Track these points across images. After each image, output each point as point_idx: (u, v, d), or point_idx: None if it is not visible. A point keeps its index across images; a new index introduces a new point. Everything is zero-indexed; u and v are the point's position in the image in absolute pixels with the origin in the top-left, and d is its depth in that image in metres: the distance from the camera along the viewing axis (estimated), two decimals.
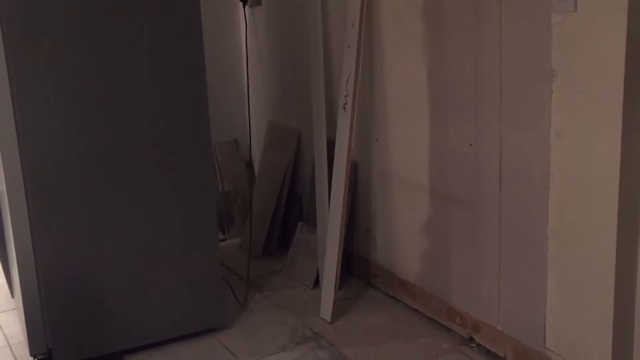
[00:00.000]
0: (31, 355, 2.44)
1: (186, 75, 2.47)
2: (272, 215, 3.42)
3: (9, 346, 2.69)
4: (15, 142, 2.26)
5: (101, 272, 2.46)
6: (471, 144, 2.43)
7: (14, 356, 2.61)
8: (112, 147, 2.40)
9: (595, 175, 2.02)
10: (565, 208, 2.13)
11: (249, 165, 3.77)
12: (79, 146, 2.35)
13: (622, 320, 2.07)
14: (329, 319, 2.78)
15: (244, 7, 3.57)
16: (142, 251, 2.51)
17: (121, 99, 2.38)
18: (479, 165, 2.42)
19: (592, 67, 1.97)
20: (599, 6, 1.92)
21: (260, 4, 3.55)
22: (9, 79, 2.22)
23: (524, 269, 2.32)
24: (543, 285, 2.25)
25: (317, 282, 3.04)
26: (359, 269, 3.14)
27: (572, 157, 2.08)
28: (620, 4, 1.85)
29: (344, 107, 2.73)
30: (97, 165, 2.39)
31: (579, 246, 2.11)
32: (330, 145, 2.86)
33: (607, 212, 2.00)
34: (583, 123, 2.02)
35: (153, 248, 2.52)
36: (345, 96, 2.72)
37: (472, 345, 2.56)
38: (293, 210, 3.45)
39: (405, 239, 2.85)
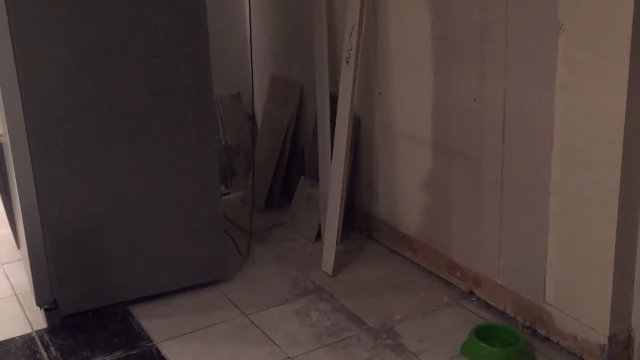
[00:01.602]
0: (37, 305, 2.48)
1: (188, 29, 2.44)
2: (275, 168, 3.43)
3: (16, 296, 2.73)
4: (17, 88, 2.25)
5: (105, 224, 2.48)
6: (475, 99, 2.41)
7: (21, 306, 2.65)
8: (115, 100, 2.39)
9: (600, 129, 2.01)
10: (568, 162, 2.13)
11: (252, 118, 3.75)
12: (82, 96, 2.34)
13: (622, 276, 2.09)
14: (330, 271, 2.81)
15: None
16: (146, 203, 2.52)
17: (123, 50, 2.36)
18: (482, 120, 2.41)
19: (599, 20, 1.94)
20: None
21: None
22: (9, 23, 2.19)
23: (525, 223, 2.33)
24: (544, 240, 2.26)
25: (319, 236, 3.07)
26: (360, 222, 3.16)
27: (576, 111, 2.07)
28: None
29: (347, 61, 2.71)
30: (99, 117, 2.38)
31: (581, 201, 2.12)
32: (333, 99, 2.84)
33: (611, 166, 2.00)
34: (588, 76, 2.01)
35: (156, 200, 2.53)
36: (349, 50, 2.70)
37: (472, 298, 2.59)
38: (295, 163, 3.45)
39: (407, 193, 2.85)
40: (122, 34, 2.35)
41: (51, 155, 2.34)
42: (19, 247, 2.95)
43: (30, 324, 2.53)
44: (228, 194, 3.66)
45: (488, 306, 2.53)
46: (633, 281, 2.11)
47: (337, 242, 2.81)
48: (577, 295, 2.20)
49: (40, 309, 2.51)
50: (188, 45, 2.45)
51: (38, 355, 2.34)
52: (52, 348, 2.37)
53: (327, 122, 2.89)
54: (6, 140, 2.36)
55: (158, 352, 2.34)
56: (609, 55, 1.94)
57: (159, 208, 2.55)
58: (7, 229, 3.03)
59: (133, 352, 2.35)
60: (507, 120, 2.31)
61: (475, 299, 2.58)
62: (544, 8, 2.09)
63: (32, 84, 2.26)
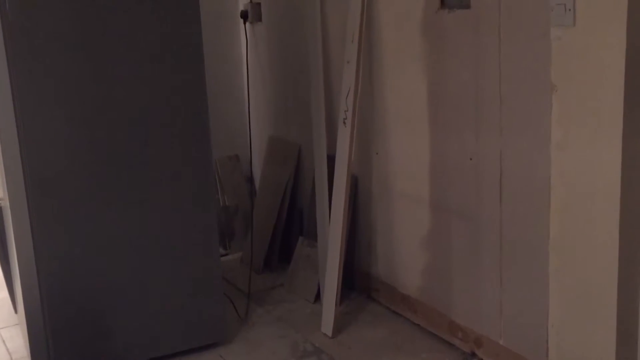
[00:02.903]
0: None
1: (187, 91, 2.48)
2: (273, 229, 3.42)
3: None
4: (17, 152, 2.27)
5: (103, 288, 2.46)
6: (471, 159, 2.44)
7: None
8: (114, 162, 2.41)
9: (597, 187, 2.02)
10: (567, 220, 2.13)
11: (250, 179, 3.78)
12: (82, 160, 2.37)
13: (625, 334, 2.07)
14: (330, 333, 2.77)
15: (244, 23, 3.59)
16: (143, 266, 2.51)
17: (122, 112, 2.40)
18: (479, 179, 2.43)
19: (592, 81, 1.98)
20: (598, 20, 1.93)
21: (260, 20, 3.57)
22: (11, 83, 2.23)
23: (525, 282, 2.32)
24: (545, 299, 2.24)
25: (318, 297, 3.04)
26: (360, 283, 3.14)
27: (572, 170, 2.08)
28: (619, 17, 1.86)
29: (344, 122, 2.75)
30: (99, 181, 2.40)
31: (581, 258, 2.11)
32: (331, 160, 2.87)
33: (609, 223, 2.00)
34: (583, 136, 2.03)
35: (154, 263, 2.53)
36: (345, 111, 2.74)
37: None
38: (294, 224, 3.45)
39: (406, 253, 2.85)
40: (122, 95, 2.39)
41: (50, 220, 2.35)
42: (16, 311, 2.92)
43: None
44: (226, 255, 3.65)
45: None
46: (637, 340, 2.09)
47: (336, 303, 2.79)
48: (580, 355, 2.17)
49: None
50: (187, 108, 2.49)
51: None
52: None
53: (325, 183, 2.91)
54: (6, 204, 2.37)
55: None
56: (602, 115, 1.97)
57: (158, 270, 2.54)
58: (5, 294, 3.01)
59: None
60: (504, 179, 2.33)
61: None
62: (536, 69, 2.14)
63: (32, 151, 2.29)
